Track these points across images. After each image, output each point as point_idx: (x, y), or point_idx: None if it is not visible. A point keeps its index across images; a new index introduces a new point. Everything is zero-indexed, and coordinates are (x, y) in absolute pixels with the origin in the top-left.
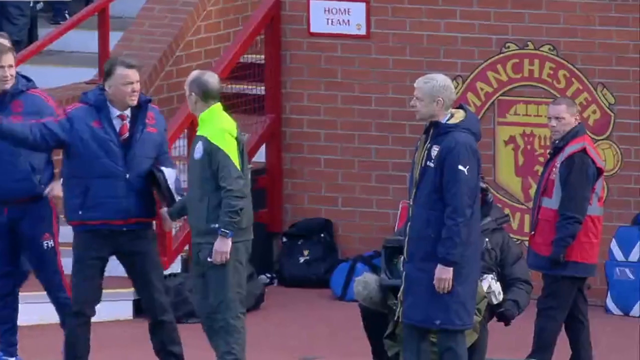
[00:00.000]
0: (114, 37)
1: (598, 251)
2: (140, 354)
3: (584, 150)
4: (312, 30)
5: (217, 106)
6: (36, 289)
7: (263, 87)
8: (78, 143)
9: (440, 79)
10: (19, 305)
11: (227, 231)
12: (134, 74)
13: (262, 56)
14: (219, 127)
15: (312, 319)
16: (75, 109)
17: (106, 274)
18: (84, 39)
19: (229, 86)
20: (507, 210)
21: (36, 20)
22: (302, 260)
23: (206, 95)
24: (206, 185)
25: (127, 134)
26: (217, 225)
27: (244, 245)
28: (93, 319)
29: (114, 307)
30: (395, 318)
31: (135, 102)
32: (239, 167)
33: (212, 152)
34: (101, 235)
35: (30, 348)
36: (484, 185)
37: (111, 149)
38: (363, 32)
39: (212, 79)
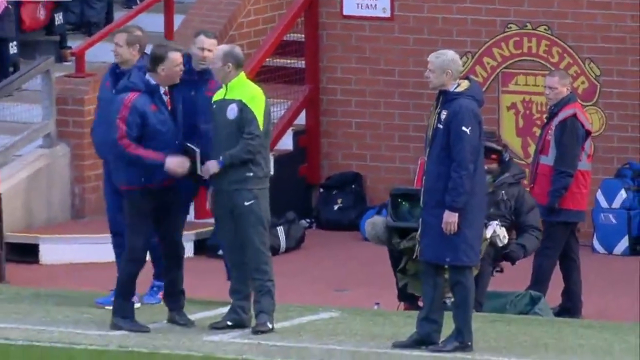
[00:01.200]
0: (177, 19)
1: (587, 200)
2: (200, 285)
3: (574, 115)
4: (344, 13)
5: (242, 74)
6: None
7: (303, 62)
8: (146, 128)
9: (450, 54)
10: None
11: (224, 161)
12: (181, 58)
13: (302, 35)
14: (252, 93)
15: (344, 257)
16: (134, 99)
17: None
18: (152, 21)
19: (275, 60)
20: None
21: (112, 5)
22: (336, 207)
23: (239, 64)
24: (240, 140)
25: (170, 106)
26: (251, 174)
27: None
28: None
29: None
30: (414, 256)
31: (178, 80)
32: (261, 127)
33: (247, 113)
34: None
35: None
36: (499, 147)
37: (167, 126)
38: (388, 14)
39: (239, 50)
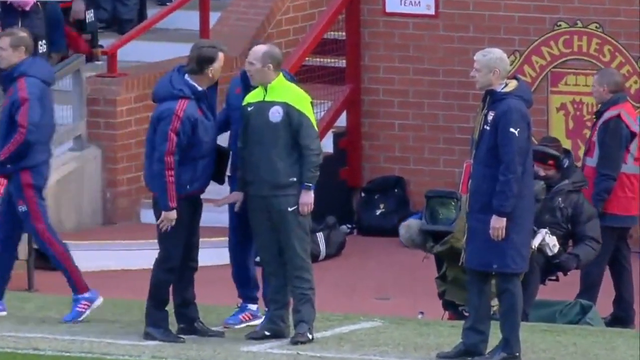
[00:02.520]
0: (213, 17)
1: (637, 204)
2: (226, 293)
3: (618, 116)
4: (387, 10)
5: (281, 75)
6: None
7: (344, 60)
8: (194, 137)
9: (497, 52)
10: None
11: (311, 184)
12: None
13: (343, 33)
14: (298, 93)
15: (386, 264)
16: (186, 108)
17: (206, 224)
18: (187, 18)
19: (314, 60)
20: None
21: (145, 1)
22: (378, 212)
23: (278, 65)
24: (285, 144)
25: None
26: (295, 179)
27: None
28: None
29: (214, 253)
30: (460, 263)
31: None
32: (316, 128)
33: (294, 116)
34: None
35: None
36: (555, 153)
37: (210, 131)
38: (432, 11)
39: (279, 49)
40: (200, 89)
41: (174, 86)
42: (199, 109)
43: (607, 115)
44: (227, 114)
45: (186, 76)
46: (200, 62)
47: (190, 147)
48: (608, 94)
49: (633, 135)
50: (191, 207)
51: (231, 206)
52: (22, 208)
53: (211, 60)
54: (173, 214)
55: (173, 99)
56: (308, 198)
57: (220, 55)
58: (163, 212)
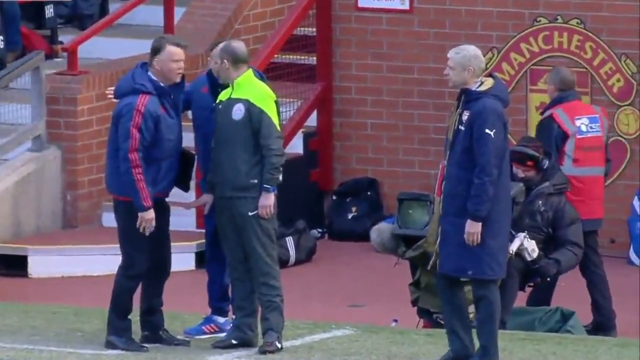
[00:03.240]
0: (178, 12)
1: (598, 208)
2: (202, 301)
3: (551, 116)
4: (359, 5)
5: (250, 71)
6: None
7: (315, 58)
8: (156, 134)
9: (471, 50)
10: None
11: (269, 187)
12: (181, 53)
13: (314, 29)
14: (261, 91)
15: (359, 270)
16: (147, 103)
17: (172, 228)
18: (151, 14)
19: (284, 56)
20: None
21: None
22: (350, 216)
23: (236, 60)
24: (247, 144)
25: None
26: (256, 181)
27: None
28: None
29: (179, 258)
30: (429, 267)
31: (179, 79)
32: (278, 127)
33: (255, 113)
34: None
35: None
36: (534, 153)
37: (174, 130)
38: (406, 6)
39: (240, 44)
40: (162, 84)
41: (135, 80)
42: (162, 105)
43: (545, 114)
44: (192, 113)
45: (149, 72)
46: (150, 53)
47: (152, 146)
48: (554, 92)
49: (566, 135)
50: (156, 211)
51: (208, 228)
52: None
53: (156, 50)
54: (150, 214)
55: (134, 94)
56: (267, 201)
57: (169, 47)
58: (139, 214)
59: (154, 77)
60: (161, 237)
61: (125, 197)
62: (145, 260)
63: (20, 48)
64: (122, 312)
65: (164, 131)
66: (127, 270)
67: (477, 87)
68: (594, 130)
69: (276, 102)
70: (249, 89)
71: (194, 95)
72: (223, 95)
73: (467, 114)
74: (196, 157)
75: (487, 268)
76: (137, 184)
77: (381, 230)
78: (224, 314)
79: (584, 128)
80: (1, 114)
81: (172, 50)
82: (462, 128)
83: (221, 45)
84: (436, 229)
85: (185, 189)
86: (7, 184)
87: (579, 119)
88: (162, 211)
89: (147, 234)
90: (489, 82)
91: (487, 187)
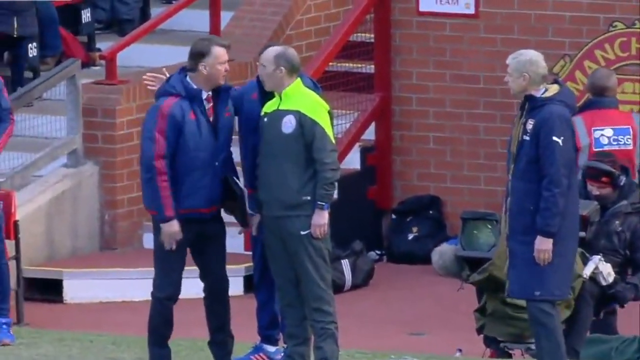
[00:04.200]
0: (225, 17)
1: None
2: (251, 328)
3: None
4: (421, 9)
5: (299, 80)
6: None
7: (372, 66)
8: (181, 143)
9: (529, 55)
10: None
11: (324, 204)
12: (226, 54)
13: (372, 35)
14: (312, 101)
15: (420, 295)
16: (172, 105)
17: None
18: (196, 18)
19: (339, 65)
20: None
21: None
22: (411, 236)
23: (293, 69)
24: (298, 158)
25: (212, 117)
26: (309, 198)
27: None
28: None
29: None
30: (506, 294)
31: (223, 82)
32: (333, 140)
33: (307, 125)
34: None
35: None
36: (609, 169)
37: (206, 140)
38: (471, 10)
39: (294, 52)
40: (195, 87)
41: (169, 82)
42: (192, 111)
43: None
44: (238, 121)
45: (187, 77)
46: (192, 57)
47: (176, 155)
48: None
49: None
50: (191, 230)
51: (256, 251)
52: None
53: (202, 54)
54: (172, 226)
55: (164, 96)
56: (321, 219)
57: (216, 49)
58: (161, 226)
59: (187, 80)
60: (213, 254)
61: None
62: (174, 283)
63: (60, 52)
64: (158, 339)
65: (190, 139)
66: (156, 292)
67: (542, 94)
68: (620, 143)
69: (329, 113)
70: (300, 99)
71: (243, 101)
72: (269, 107)
73: (532, 123)
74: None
75: (555, 288)
76: (160, 192)
77: (444, 252)
78: (274, 342)
79: (603, 140)
80: (34, 126)
81: (220, 53)
82: (527, 138)
83: (275, 50)
84: (503, 251)
85: (242, 223)
86: (41, 202)
87: (599, 129)
88: (212, 227)
89: (166, 248)
90: (554, 88)
91: (557, 199)
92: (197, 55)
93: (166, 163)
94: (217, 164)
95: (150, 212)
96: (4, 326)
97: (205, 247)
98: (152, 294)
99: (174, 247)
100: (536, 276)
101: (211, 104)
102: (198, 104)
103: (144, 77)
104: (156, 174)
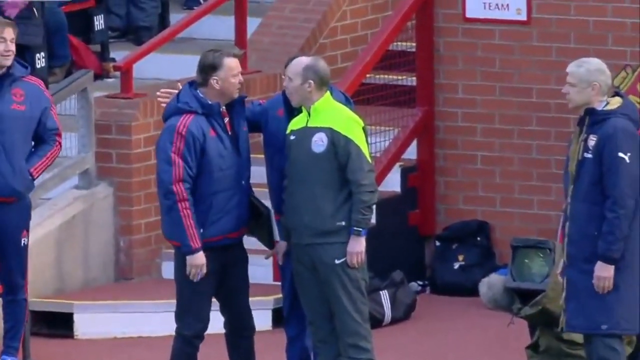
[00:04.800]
0: (252, 24)
1: None
2: None
3: None
4: (467, 15)
5: (328, 94)
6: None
7: (414, 78)
8: (203, 162)
9: (595, 63)
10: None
11: (360, 229)
12: (239, 64)
13: (413, 44)
14: (345, 116)
15: (467, 330)
16: (189, 124)
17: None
18: (220, 25)
19: (377, 76)
20: None
21: (167, 5)
22: (456, 265)
23: (322, 82)
24: (331, 179)
25: (230, 132)
26: (343, 223)
27: None
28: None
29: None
30: (559, 328)
31: (237, 95)
32: (369, 159)
33: (340, 144)
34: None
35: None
36: None
37: (230, 158)
38: (523, 17)
39: (324, 63)
40: (211, 102)
41: (179, 99)
42: (212, 127)
43: None
44: (263, 139)
45: (198, 91)
46: (202, 71)
47: (198, 176)
48: None
49: None
50: (215, 259)
51: (285, 281)
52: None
53: (213, 67)
54: (199, 259)
55: (177, 115)
56: (357, 246)
57: (228, 61)
58: (187, 258)
59: (200, 95)
60: (237, 285)
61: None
62: (203, 320)
63: (69, 63)
64: None
65: (214, 158)
66: (182, 329)
67: (604, 107)
68: None
69: (364, 129)
70: (331, 115)
71: (268, 117)
72: (296, 124)
73: (595, 138)
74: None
75: (623, 321)
76: (183, 221)
77: (492, 283)
78: None
79: None
80: None
81: (232, 64)
82: (589, 155)
83: (303, 61)
84: (558, 282)
85: (269, 245)
86: (50, 228)
87: None
88: (229, 259)
89: (194, 280)
90: (616, 101)
91: (621, 222)
92: (208, 69)
93: (187, 187)
94: (243, 182)
95: (173, 243)
96: None
97: (228, 277)
98: (177, 331)
99: (198, 278)
100: (601, 308)
101: (227, 118)
102: (217, 120)
103: (158, 93)
104: (177, 201)
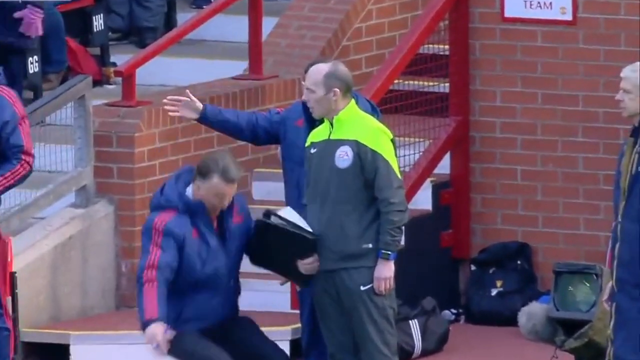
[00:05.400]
0: (268, 24)
1: None
2: None
3: None
4: (506, 14)
5: (353, 102)
6: None
7: (447, 84)
8: (184, 265)
9: None
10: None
11: (390, 252)
12: (230, 190)
13: (446, 46)
14: (372, 127)
15: None
16: (167, 223)
17: (263, 308)
18: (230, 26)
19: (406, 82)
20: None
21: (174, 3)
22: (494, 292)
23: (348, 88)
24: (357, 197)
25: (217, 231)
26: (370, 246)
27: None
28: None
29: None
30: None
31: (218, 212)
32: (399, 174)
33: (367, 158)
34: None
35: None
36: None
37: (215, 259)
38: (568, 17)
39: (344, 67)
40: (195, 201)
41: (162, 193)
42: (195, 227)
43: None
44: (281, 152)
45: (188, 187)
46: (197, 168)
47: (178, 276)
48: None
49: None
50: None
51: (304, 309)
52: None
53: (200, 173)
54: (151, 330)
55: (157, 210)
56: (386, 271)
57: (215, 179)
58: (146, 331)
59: (188, 191)
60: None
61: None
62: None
63: (65, 68)
64: None
65: (193, 259)
66: None
67: None
68: None
69: (392, 142)
70: (356, 126)
71: (287, 127)
72: (317, 135)
73: None
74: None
75: None
76: (143, 296)
77: (533, 312)
78: None
79: None
80: (36, 158)
81: (217, 185)
82: None
83: (322, 68)
84: (606, 310)
85: (303, 284)
86: (43, 251)
87: None
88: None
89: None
90: None
91: None
92: (197, 170)
93: (159, 272)
94: (231, 283)
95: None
96: None
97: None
98: None
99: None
100: None
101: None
102: (202, 219)
103: (164, 101)
104: (143, 283)
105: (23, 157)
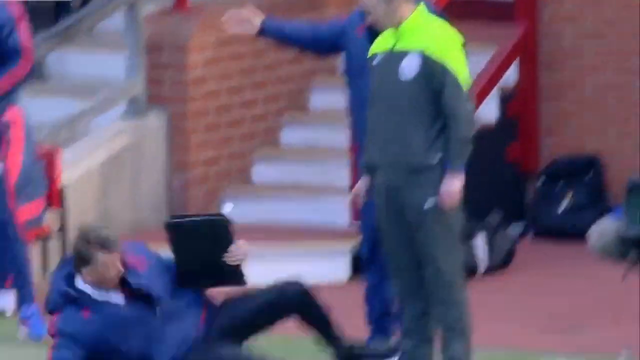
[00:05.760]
0: None
1: None
2: (358, 320)
3: None
4: None
5: (422, 6)
6: None
7: None
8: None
9: None
10: None
11: (458, 166)
12: (115, 257)
13: None
14: (441, 35)
15: (575, 281)
16: (60, 326)
17: (321, 222)
18: None
19: None
20: None
21: None
22: (562, 207)
23: None
24: (423, 110)
25: (128, 293)
26: (437, 160)
27: None
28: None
29: (328, 265)
30: None
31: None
32: (467, 84)
33: (436, 68)
34: None
35: None
36: None
37: (137, 323)
38: None
39: None
40: (88, 291)
41: (49, 297)
42: (87, 308)
43: None
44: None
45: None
46: (75, 259)
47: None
48: None
49: None
50: None
51: (365, 223)
52: None
53: (83, 261)
54: None
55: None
56: (453, 185)
57: (99, 257)
58: None
59: (79, 280)
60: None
61: None
62: None
63: None
64: None
65: (111, 341)
66: None
67: None
68: None
69: (463, 48)
70: (424, 34)
71: (348, 38)
72: (381, 45)
73: None
74: None
75: None
76: None
77: (603, 230)
78: (388, 334)
79: None
80: (84, 66)
81: (105, 261)
82: None
83: None
84: None
85: (241, 282)
86: (93, 164)
87: None
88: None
89: None
90: None
91: None
92: (78, 260)
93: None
94: (186, 307)
95: None
96: (33, 317)
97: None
98: None
99: None
100: None
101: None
102: (88, 300)
103: (223, 19)
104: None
105: (25, 55)
